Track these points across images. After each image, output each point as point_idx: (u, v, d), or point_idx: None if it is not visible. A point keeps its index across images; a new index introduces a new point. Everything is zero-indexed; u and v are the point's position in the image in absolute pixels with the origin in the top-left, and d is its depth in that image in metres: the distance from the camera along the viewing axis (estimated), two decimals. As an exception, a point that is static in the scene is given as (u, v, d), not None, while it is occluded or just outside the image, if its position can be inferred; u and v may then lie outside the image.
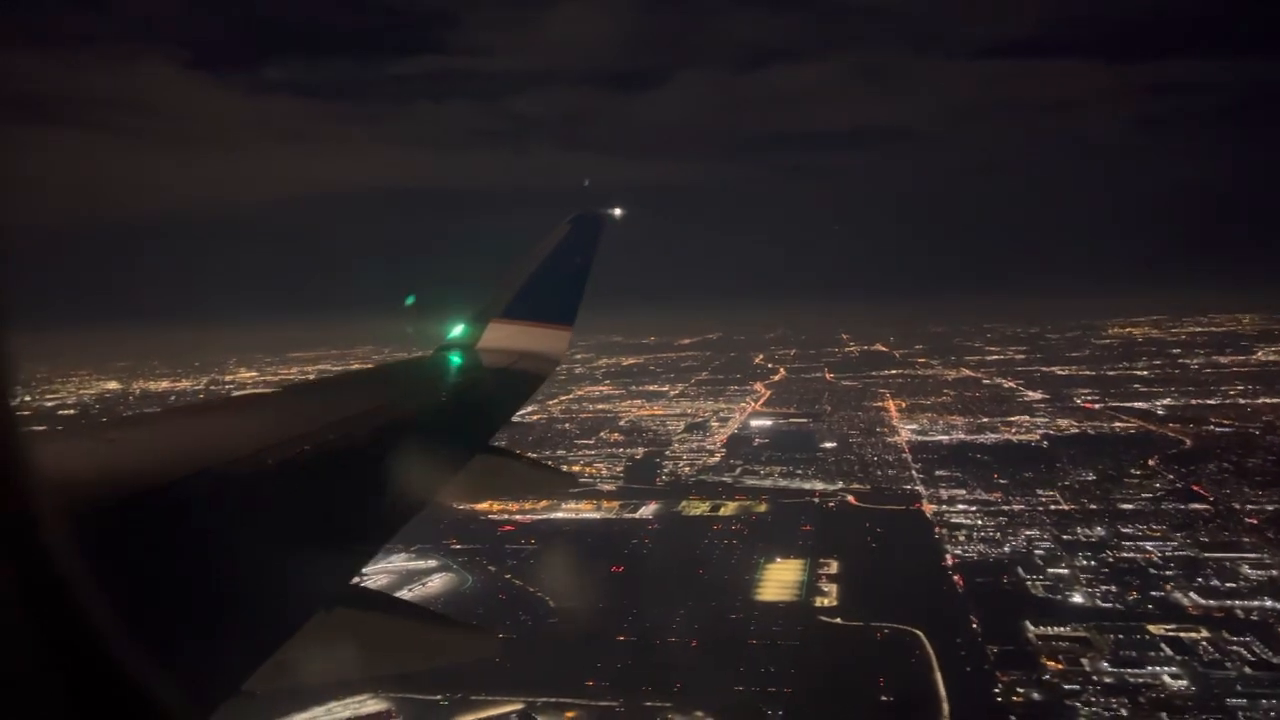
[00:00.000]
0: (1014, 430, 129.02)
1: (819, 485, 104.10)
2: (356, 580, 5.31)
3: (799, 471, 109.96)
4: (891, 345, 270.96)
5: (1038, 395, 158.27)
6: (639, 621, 67.09)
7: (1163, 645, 60.15)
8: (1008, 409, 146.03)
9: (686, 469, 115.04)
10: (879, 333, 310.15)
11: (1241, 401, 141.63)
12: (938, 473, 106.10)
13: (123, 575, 3.54)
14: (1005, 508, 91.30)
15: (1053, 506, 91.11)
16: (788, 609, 69.49)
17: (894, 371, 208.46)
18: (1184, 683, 55.46)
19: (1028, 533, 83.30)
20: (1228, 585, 69.27)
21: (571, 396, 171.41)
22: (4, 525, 2.05)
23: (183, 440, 5.90)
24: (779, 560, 79.38)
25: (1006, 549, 79.92)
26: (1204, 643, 60.10)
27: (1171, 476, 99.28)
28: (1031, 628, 63.50)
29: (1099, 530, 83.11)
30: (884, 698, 55.51)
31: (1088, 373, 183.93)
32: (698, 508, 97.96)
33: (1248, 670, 56.39)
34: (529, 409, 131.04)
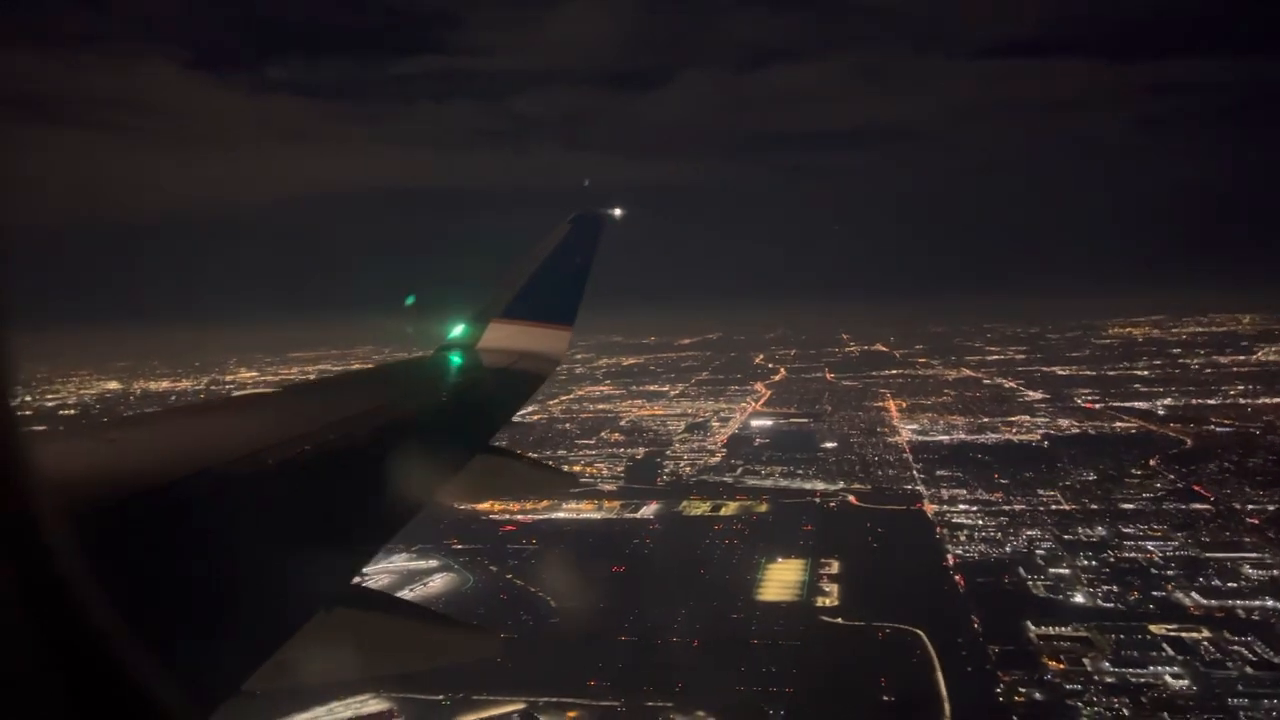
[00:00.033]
0: (1015, 430, 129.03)
1: (820, 485, 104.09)
2: (357, 580, 5.30)
3: (800, 471, 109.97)
4: (892, 345, 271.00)
5: (1038, 395, 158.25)
6: (640, 621, 67.10)
7: (1164, 645, 60.14)
8: (1008, 409, 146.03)
9: (687, 469, 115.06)
10: (879, 333, 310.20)
11: (1242, 401, 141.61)
12: (939, 473, 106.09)
13: (123, 575, 3.54)
14: (1006, 508, 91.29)
15: (1054, 506, 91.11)
16: (789, 609, 69.49)
17: (894, 371, 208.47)
18: (1185, 683, 55.45)
19: (1029, 533, 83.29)
20: (1229, 585, 69.26)
21: (572, 396, 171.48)
22: (4, 525, 2.04)
23: (183, 440, 5.90)
24: (780, 560, 79.38)
25: (1008, 549, 79.91)
26: (1205, 643, 60.09)
27: (1172, 476, 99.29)
28: (1033, 628, 63.50)
29: (1100, 530, 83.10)
30: (885, 698, 55.49)
31: (1088, 373, 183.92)
32: (699, 508, 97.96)
33: (1249, 670, 56.39)
34: (530, 409, 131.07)
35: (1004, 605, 67.44)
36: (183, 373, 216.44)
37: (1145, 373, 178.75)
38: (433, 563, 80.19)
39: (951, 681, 56.64)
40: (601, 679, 58.85)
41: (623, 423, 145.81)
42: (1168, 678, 56.20)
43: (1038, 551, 78.66)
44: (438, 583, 76.75)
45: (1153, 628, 62.71)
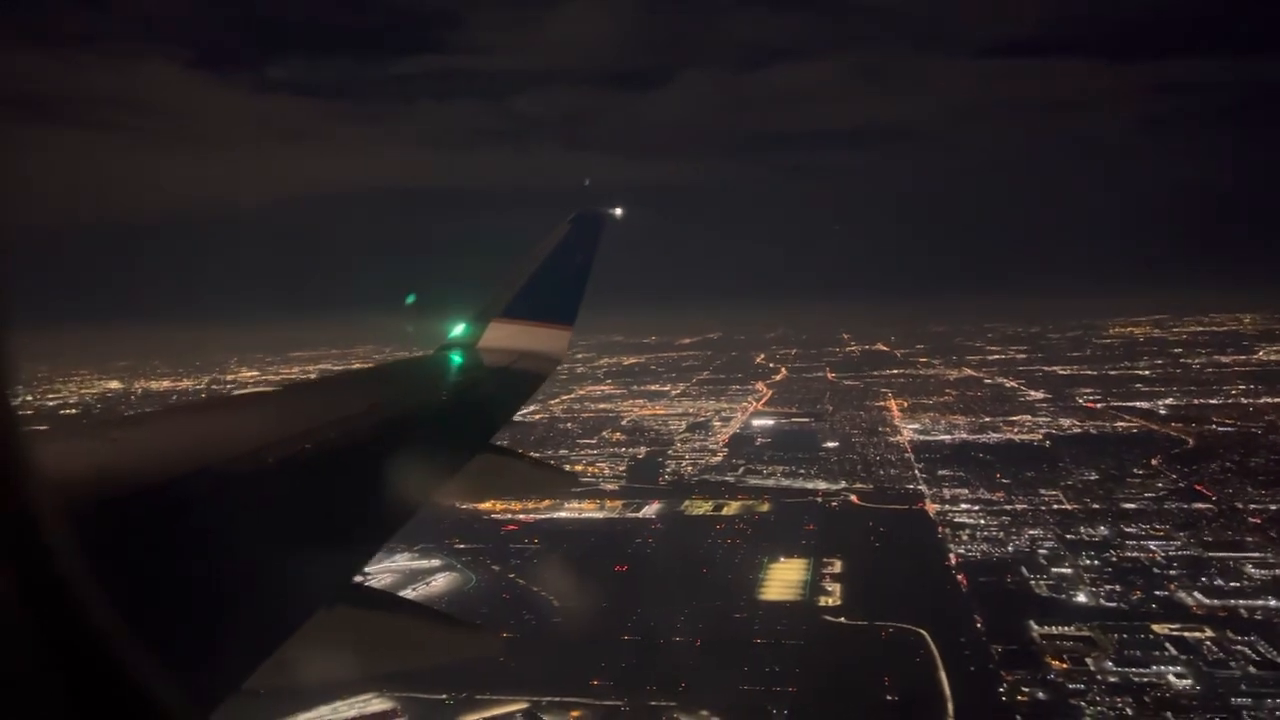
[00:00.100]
0: (1016, 430, 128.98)
1: (822, 485, 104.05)
2: (359, 579, 5.30)
3: (802, 471, 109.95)
4: (893, 345, 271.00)
5: (1040, 395, 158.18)
6: (643, 621, 67.10)
7: (1167, 645, 60.08)
8: (1010, 408, 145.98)
9: (689, 468, 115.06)
10: (880, 332, 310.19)
11: (1243, 401, 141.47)
12: (940, 472, 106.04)
13: (123, 574, 3.53)
14: (1008, 507, 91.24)
15: (1056, 506, 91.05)
16: (792, 608, 69.48)
17: (895, 371, 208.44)
18: (1188, 682, 55.37)
19: (1031, 532, 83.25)
20: (1231, 585, 69.21)
21: (573, 396, 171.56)
22: (4, 525, 2.04)
23: (183, 439, 5.89)
24: (782, 560, 79.36)
25: (1010, 548, 79.86)
26: (1208, 642, 60.02)
27: (1174, 476, 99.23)
28: (1036, 627, 63.45)
29: (1102, 530, 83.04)
30: (889, 697, 55.45)
31: (1089, 372, 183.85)
32: (701, 507, 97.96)
33: (1252, 670, 56.31)
34: (531, 408, 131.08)
35: (1007, 605, 67.39)
36: (184, 372, 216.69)
37: (1147, 372, 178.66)
38: (435, 562, 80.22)
39: (955, 681, 56.57)
40: (605, 678, 58.85)
41: (624, 422, 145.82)
42: (1171, 677, 56.13)
43: (1040, 551, 78.61)
44: (440, 582, 76.77)
45: (1155, 627, 62.65)
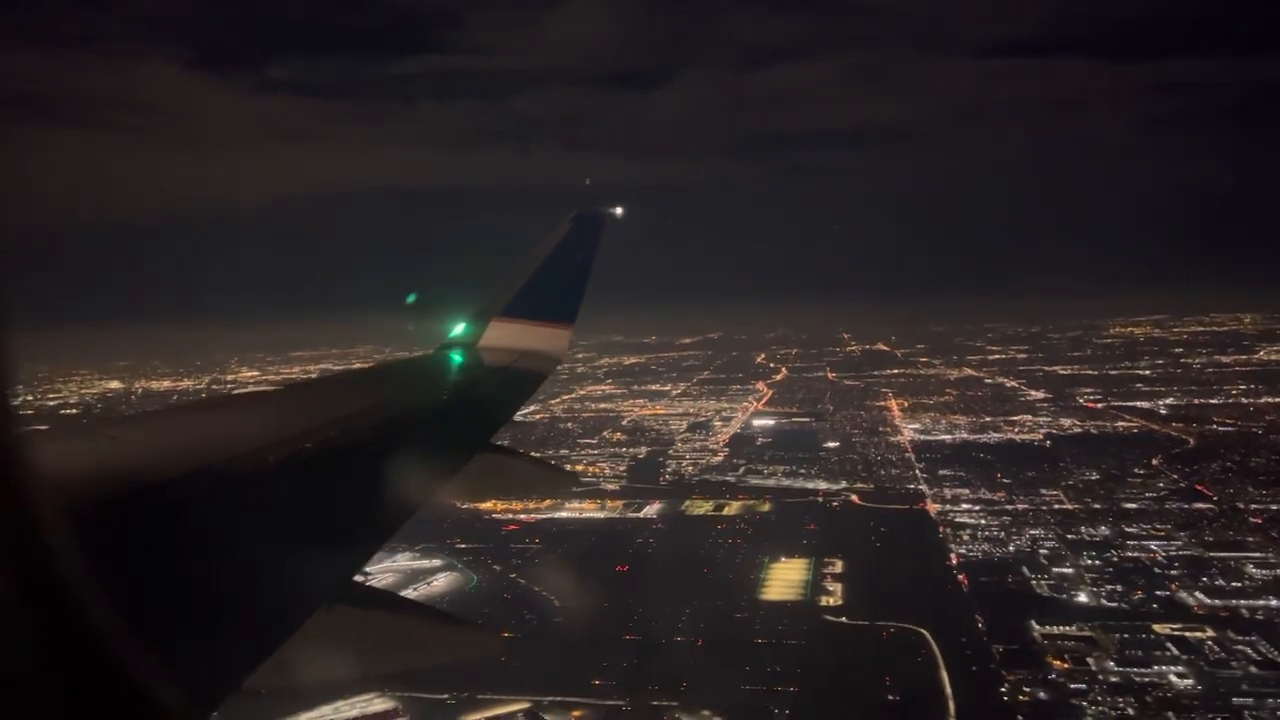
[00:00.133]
0: (1017, 430, 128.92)
1: (822, 485, 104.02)
2: (360, 579, 5.29)
3: (802, 471, 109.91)
4: (893, 345, 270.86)
5: (1040, 395, 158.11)
6: (644, 621, 67.10)
7: (1168, 645, 60.06)
8: (1010, 408, 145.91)
9: (690, 468, 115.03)
10: (880, 332, 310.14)
11: (1244, 401, 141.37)
12: (941, 472, 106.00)
13: (123, 573, 3.53)
14: (1009, 507, 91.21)
15: (1057, 506, 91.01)
16: (793, 608, 69.46)
17: (896, 371, 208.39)
18: (1190, 682, 55.34)
19: (1032, 532, 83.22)
20: (1233, 585, 69.17)
21: (573, 396, 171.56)
22: (4, 525, 2.04)
23: (183, 438, 5.88)
24: (783, 559, 79.34)
25: (1011, 548, 79.84)
26: (1209, 642, 59.99)
27: (1175, 476, 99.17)
28: (1037, 627, 63.42)
29: (1103, 530, 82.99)
30: (890, 697, 55.45)
31: (1090, 372, 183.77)
32: (701, 507, 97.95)
33: (1253, 670, 56.28)
34: (531, 408, 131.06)
35: (1008, 605, 67.36)
36: (184, 372, 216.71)
37: (1147, 372, 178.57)
38: (436, 562, 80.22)
39: (956, 681, 56.54)
40: (606, 678, 58.84)
41: (624, 422, 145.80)
42: (1172, 677, 56.10)
43: (1041, 551, 78.59)
44: (441, 582, 76.77)
45: (1157, 627, 62.62)
